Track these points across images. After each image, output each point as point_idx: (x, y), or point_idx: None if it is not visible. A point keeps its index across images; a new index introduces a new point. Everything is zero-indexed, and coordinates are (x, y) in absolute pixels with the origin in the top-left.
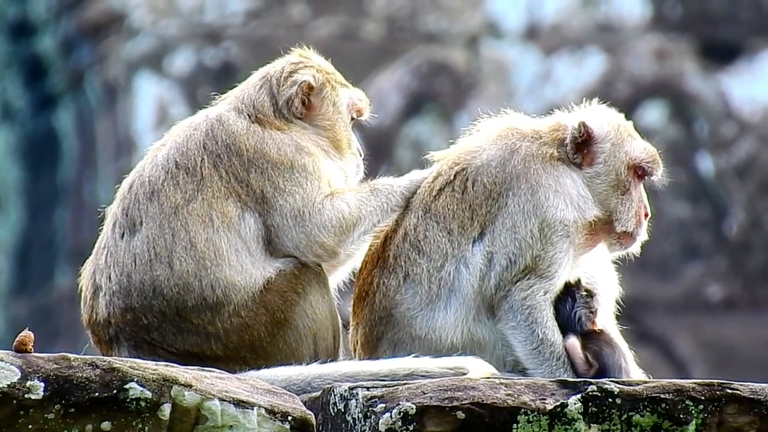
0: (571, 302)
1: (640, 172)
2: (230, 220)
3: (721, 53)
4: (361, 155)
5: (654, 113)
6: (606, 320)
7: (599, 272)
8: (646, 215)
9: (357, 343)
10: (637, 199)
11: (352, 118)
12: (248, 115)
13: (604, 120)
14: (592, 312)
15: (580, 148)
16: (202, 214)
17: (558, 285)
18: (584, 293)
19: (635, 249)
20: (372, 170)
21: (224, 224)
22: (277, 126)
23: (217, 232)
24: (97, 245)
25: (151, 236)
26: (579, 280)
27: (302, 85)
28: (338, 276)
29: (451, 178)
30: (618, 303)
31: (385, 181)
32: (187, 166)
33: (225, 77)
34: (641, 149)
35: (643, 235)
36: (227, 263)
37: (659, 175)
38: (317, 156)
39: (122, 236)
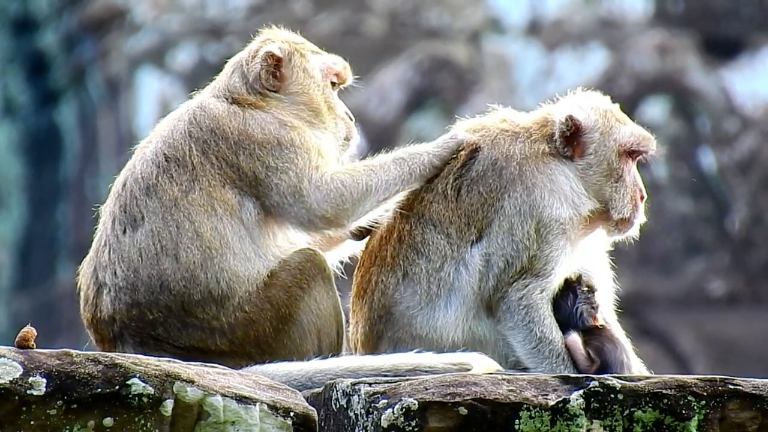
0: (572, 298)
1: (633, 155)
2: (231, 207)
3: (723, 49)
4: (351, 119)
5: (656, 109)
6: (607, 316)
7: (597, 268)
8: (642, 198)
9: (357, 341)
10: (632, 183)
11: (333, 84)
12: (225, 98)
13: (590, 109)
14: (593, 308)
15: (570, 140)
16: (203, 203)
17: (555, 283)
18: (585, 289)
19: (634, 233)
20: None
21: (227, 212)
22: (254, 103)
23: (221, 221)
24: (94, 244)
25: (155, 230)
26: (580, 276)
27: (265, 57)
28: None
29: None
30: (620, 298)
31: (379, 158)
32: (177, 157)
33: None
34: (629, 134)
35: (641, 218)
36: (231, 251)
37: (652, 150)
38: (301, 128)
39: (124, 232)
